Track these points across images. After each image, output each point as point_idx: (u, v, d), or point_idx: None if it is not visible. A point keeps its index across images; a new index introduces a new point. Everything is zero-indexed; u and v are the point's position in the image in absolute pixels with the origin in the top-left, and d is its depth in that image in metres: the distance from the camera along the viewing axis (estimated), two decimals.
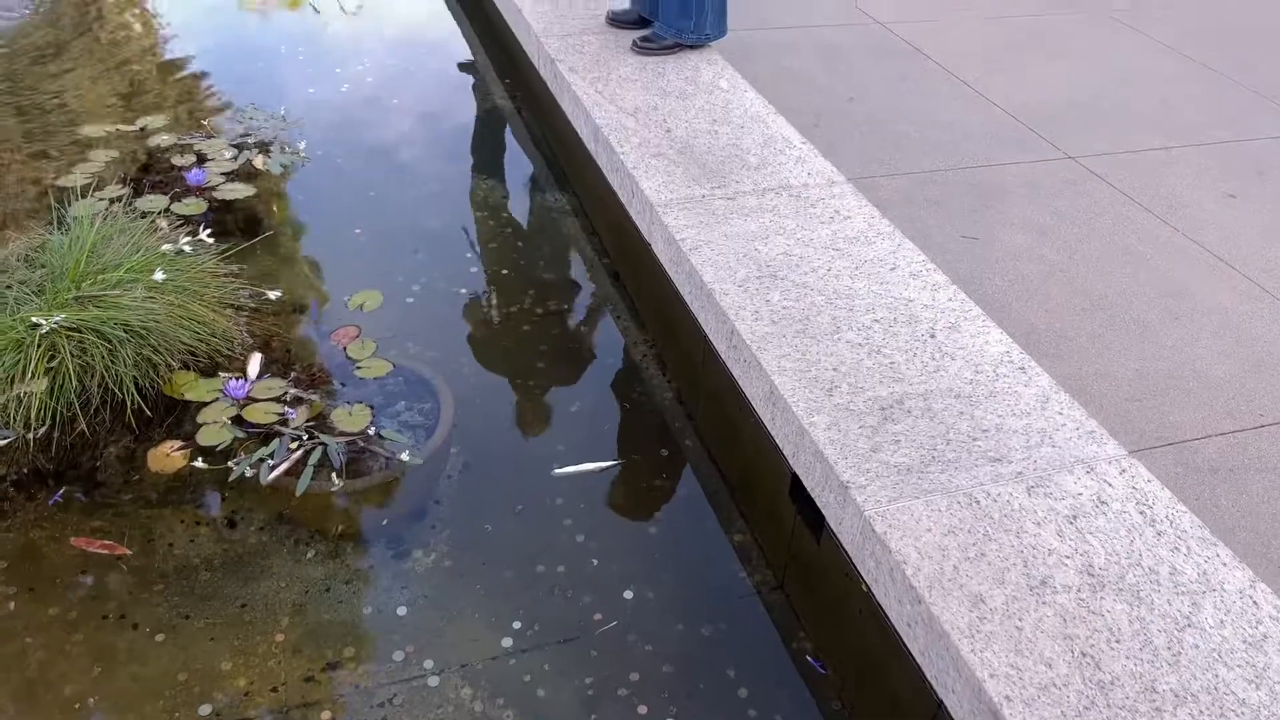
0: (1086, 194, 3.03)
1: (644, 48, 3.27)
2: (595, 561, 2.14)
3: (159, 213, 2.86)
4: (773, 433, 2.02)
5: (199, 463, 2.19)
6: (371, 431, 2.27)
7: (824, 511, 1.85)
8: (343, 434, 2.27)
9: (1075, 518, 1.69)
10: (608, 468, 2.32)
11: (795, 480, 1.97)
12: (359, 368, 2.45)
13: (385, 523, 2.20)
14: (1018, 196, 2.97)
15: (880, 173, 2.98)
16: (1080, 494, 1.74)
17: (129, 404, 2.24)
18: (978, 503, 1.71)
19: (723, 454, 2.38)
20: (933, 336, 2.07)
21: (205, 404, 2.31)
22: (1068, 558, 1.62)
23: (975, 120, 3.42)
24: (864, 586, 1.75)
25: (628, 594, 2.06)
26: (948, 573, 1.59)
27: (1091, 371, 2.17)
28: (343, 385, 2.41)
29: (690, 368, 2.50)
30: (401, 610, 2.01)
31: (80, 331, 2.16)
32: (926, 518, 1.68)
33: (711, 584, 2.11)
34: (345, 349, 2.51)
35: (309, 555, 2.10)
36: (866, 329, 2.11)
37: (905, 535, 1.65)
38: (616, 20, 3.35)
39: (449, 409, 2.35)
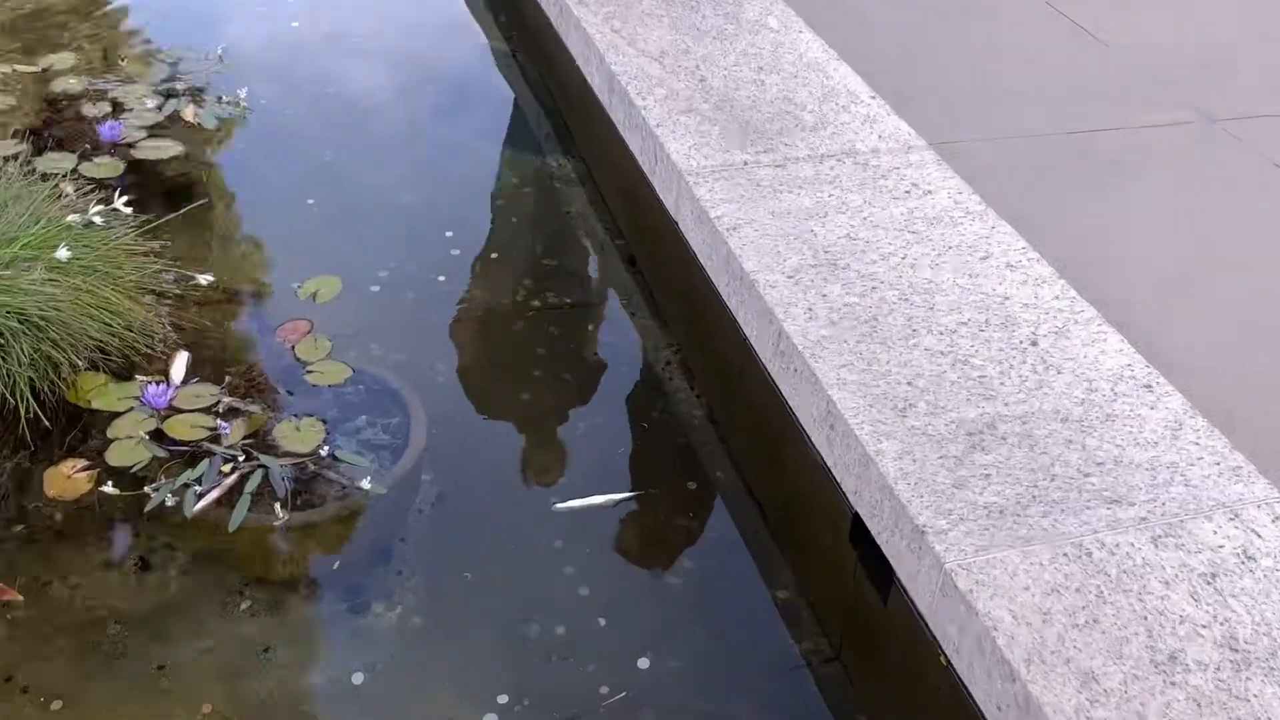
0: (1231, 166, 2.87)
1: None
2: (603, 621, 2.15)
3: (64, 175, 2.86)
4: (829, 462, 2.02)
5: (108, 487, 2.20)
6: (324, 453, 2.28)
7: (893, 562, 1.84)
8: (288, 455, 2.28)
9: (1214, 576, 1.68)
10: (620, 502, 2.34)
11: (857, 522, 1.97)
12: (310, 372, 2.46)
13: (339, 567, 2.21)
14: (1143, 168, 2.82)
15: (969, 136, 2.83)
16: (1221, 546, 1.73)
17: (23, 412, 2.22)
18: (1090, 555, 1.70)
19: (765, 487, 2.40)
20: (1034, 344, 2.06)
21: (117, 414, 2.31)
22: (1204, 627, 1.61)
23: (1090, 70, 3.27)
24: (943, 659, 1.75)
25: (643, 662, 2.07)
26: (1050, 643, 1.58)
27: (1236, 391, 2.14)
28: (290, 394, 2.42)
29: (725, 378, 2.52)
30: (358, 678, 2.02)
31: None
32: (1024, 573, 1.68)
33: (749, 652, 2.12)
34: (294, 349, 2.52)
35: (243, 607, 2.11)
36: (950, 333, 2.10)
37: (997, 594, 1.65)
38: None
39: (421, 426, 2.37)
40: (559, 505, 2.31)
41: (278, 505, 2.18)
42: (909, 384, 2.00)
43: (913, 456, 1.86)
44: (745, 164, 2.46)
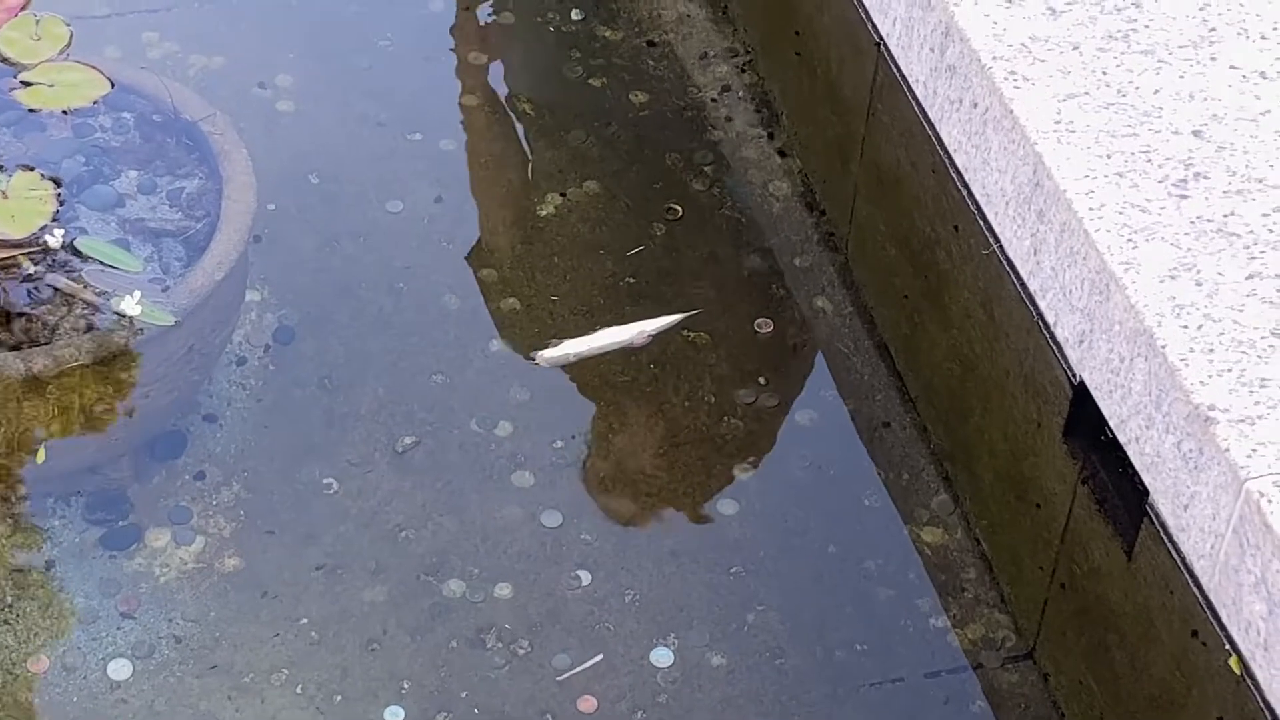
0: None
1: None
2: (589, 584, 2.26)
3: None
4: (1032, 286, 2.06)
5: None
6: (56, 242, 2.27)
7: (1146, 478, 1.87)
8: None
9: None
10: (653, 336, 2.43)
11: (1082, 401, 2.01)
12: (28, 85, 2.44)
13: (84, 463, 2.26)
14: None
15: None
16: None
17: None
18: None
19: (907, 335, 2.47)
20: None
21: None
22: None
23: None
24: (1234, 662, 1.78)
25: (660, 656, 2.19)
26: None
27: None
28: None
29: (836, 119, 2.57)
30: (121, 671, 2.12)
31: None
32: None
33: (869, 643, 2.22)
34: None
35: None
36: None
37: None
38: None
39: (245, 195, 2.34)
40: (544, 354, 2.39)
41: None
42: (1196, 133, 2.02)
43: (1196, 274, 1.87)
44: None
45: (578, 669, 2.13)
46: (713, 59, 2.87)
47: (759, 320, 2.53)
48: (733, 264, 2.61)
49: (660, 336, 2.44)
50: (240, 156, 2.37)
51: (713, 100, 2.81)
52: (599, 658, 2.14)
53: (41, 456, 2.21)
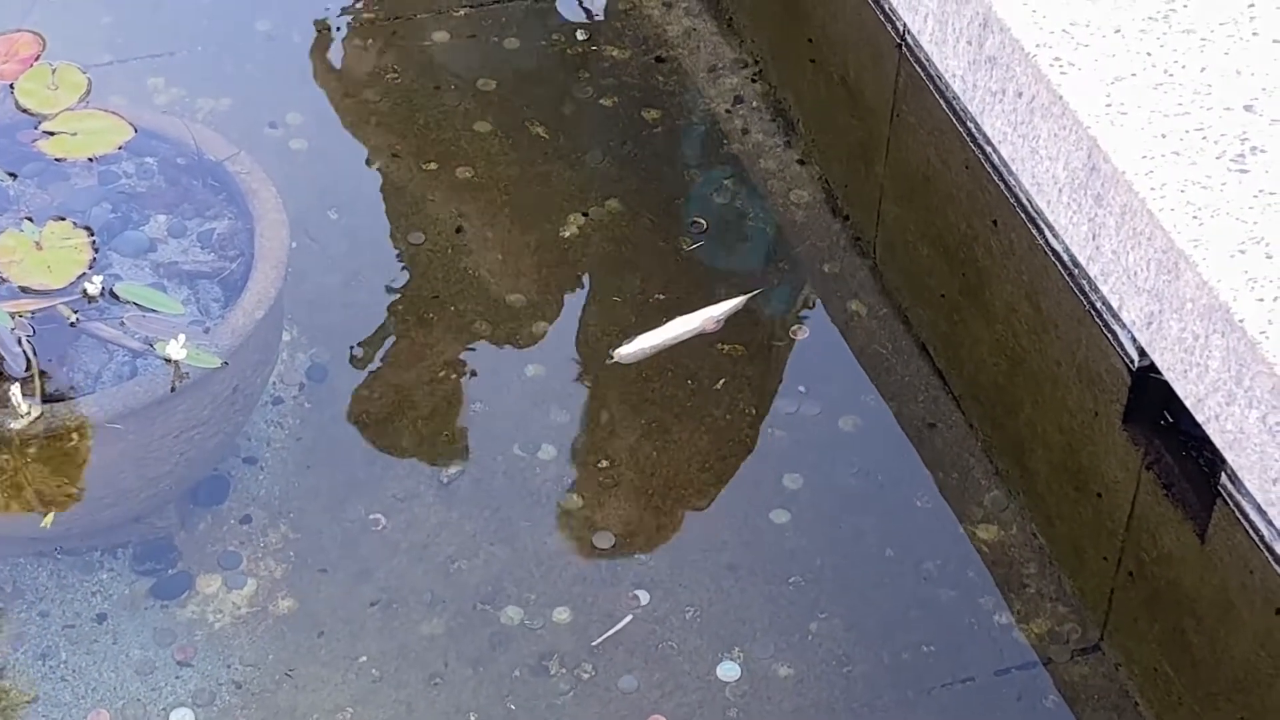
0: None
1: None
2: (651, 605, 2.23)
3: None
4: (1093, 271, 2.04)
5: None
6: (94, 289, 2.26)
7: (1229, 455, 1.84)
8: (26, 295, 2.25)
9: None
10: (716, 321, 2.45)
11: (1144, 387, 2.01)
12: (51, 134, 2.43)
13: (130, 513, 2.24)
14: None
15: None
16: None
17: None
18: None
19: (946, 333, 2.46)
20: None
21: None
22: None
23: None
24: None
25: (727, 670, 2.17)
26: None
27: None
28: (12, 176, 2.39)
29: (858, 120, 2.57)
30: None
31: None
32: None
33: (935, 644, 2.22)
34: (13, 88, 2.49)
35: None
36: None
37: None
38: None
39: (276, 233, 2.34)
40: (621, 351, 2.41)
41: (15, 390, 2.12)
42: (1247, 108, 2.00)
43: (1266, 247, 1.85)
44: None
45: (610, 632, 2.15)
46: (722, 71, 2.87)
47: (793, 328, 2.53)
48: (761, 274, 2.61)
49: (696, 351, 2.43)
50: (269, 194, 2.37)
51: (726, 112, 2.80)
52: (629, 619, 2.16)
53: (128, 514, 2.24)
